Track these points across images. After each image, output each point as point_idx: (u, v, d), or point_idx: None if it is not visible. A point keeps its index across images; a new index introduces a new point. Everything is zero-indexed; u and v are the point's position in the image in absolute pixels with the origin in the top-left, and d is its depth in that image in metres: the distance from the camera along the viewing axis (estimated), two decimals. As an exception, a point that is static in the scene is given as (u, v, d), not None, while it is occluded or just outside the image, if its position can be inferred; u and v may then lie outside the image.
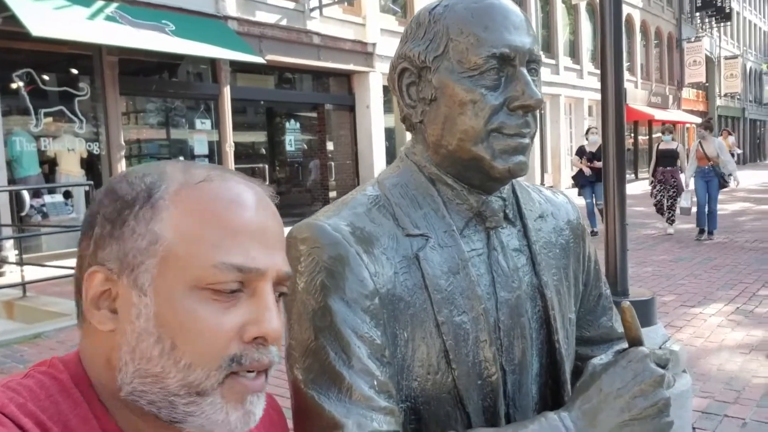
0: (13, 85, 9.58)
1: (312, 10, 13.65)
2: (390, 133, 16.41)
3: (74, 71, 10.37)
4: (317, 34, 13.79)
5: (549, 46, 23.15)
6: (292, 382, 0.89)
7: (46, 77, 9.95)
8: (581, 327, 1.16)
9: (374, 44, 15.07)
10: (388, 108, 15.82)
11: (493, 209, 1.00)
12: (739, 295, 7.00)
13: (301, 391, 0.87)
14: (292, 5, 13.40)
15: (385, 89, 15.49)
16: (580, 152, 11.99)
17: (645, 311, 3.08)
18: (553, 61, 23.03)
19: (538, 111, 0.96)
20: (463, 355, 0.93)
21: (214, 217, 0.68)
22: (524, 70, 0.94)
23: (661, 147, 11.49)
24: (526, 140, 0.96)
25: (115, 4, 10.10)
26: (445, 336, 0.92)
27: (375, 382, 0.86)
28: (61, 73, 10.22)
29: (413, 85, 1.00)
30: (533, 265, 1.03)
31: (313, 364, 0.87)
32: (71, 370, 0.71)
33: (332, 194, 15.07)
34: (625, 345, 0.96)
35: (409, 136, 1.06)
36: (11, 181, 9.39)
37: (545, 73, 21.11)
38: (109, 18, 9.81)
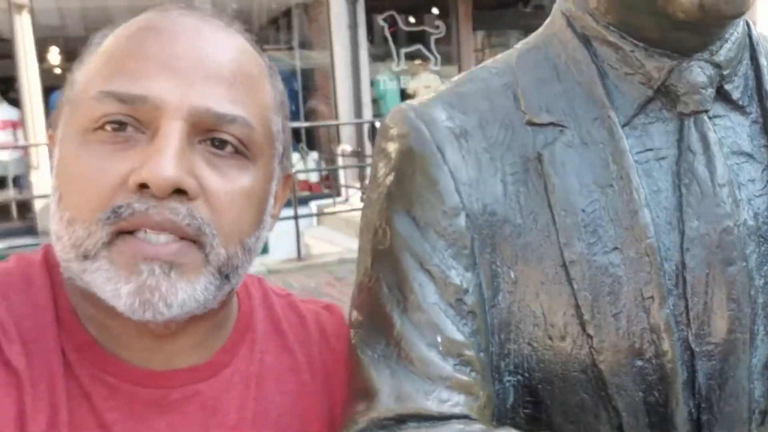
0: (379, 28, 10.45)
1: None
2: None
3: (434, 11, 10.84)
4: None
5: None
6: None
7: (408, 18, 10.61)
8: None
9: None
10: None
11: (693, 82, 0.62)
12: None
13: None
14: None
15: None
16: None
17: None
18: None
19: None
20: (610, 318, 0.60)
21: (116, 47, 0.59)
22: None
23: None
24: None
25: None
26: (576, 284, 0.61)
27: (439, 339, 0.61)
28: (420, 13, 10.77)
29: None
30: None
31: (365, 301, 0.66)
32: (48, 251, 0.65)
33: None
34: None
35: None
36: (377, 116, 10.39)
37: None
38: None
